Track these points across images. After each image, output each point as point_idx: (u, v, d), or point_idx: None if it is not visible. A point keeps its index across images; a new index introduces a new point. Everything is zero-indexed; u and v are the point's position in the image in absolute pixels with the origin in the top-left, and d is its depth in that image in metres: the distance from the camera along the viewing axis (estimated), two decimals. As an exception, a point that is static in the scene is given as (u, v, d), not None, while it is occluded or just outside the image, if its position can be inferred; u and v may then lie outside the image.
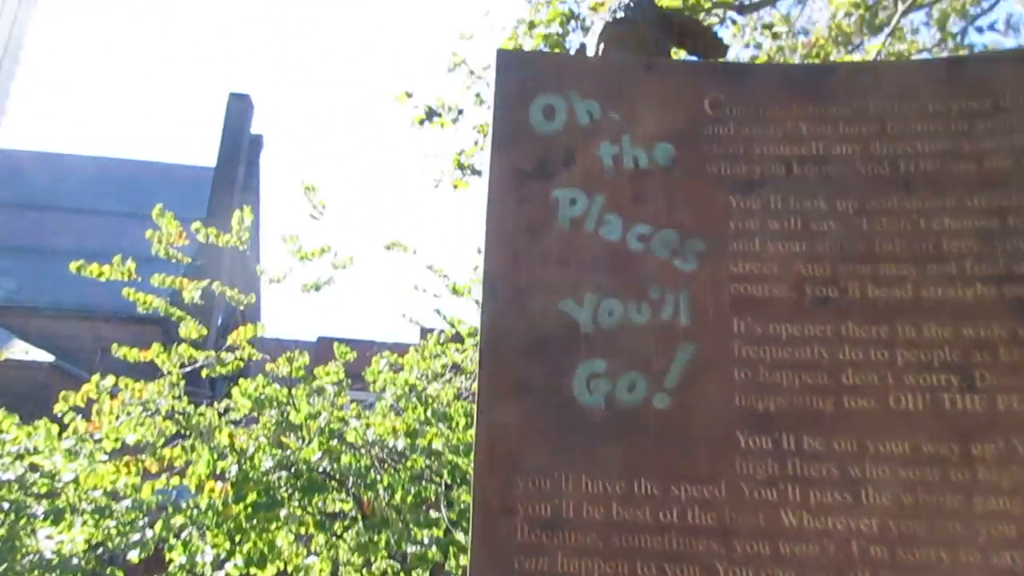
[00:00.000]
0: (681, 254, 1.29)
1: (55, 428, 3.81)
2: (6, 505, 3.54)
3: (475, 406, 1.29)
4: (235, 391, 3.83)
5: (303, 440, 3.65)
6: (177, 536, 3.53)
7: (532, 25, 6.44)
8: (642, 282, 1.27)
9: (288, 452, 3.58)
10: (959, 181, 1.27)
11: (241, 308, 4.40)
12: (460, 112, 6.82)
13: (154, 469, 3.56)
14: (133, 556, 3.64)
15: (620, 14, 1.80)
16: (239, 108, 21.06)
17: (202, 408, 3.75)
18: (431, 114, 6.83)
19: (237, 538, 3.42)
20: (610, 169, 1.34)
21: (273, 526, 3.47)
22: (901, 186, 1.28)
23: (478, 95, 6.88)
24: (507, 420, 1.23)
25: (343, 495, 3.74)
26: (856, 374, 1.20)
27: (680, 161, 1.34)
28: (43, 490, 3.67)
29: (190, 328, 4.00)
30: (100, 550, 3.78)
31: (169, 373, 3.82)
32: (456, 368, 4.32)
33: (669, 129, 1.36)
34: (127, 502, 3.68)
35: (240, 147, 20.75)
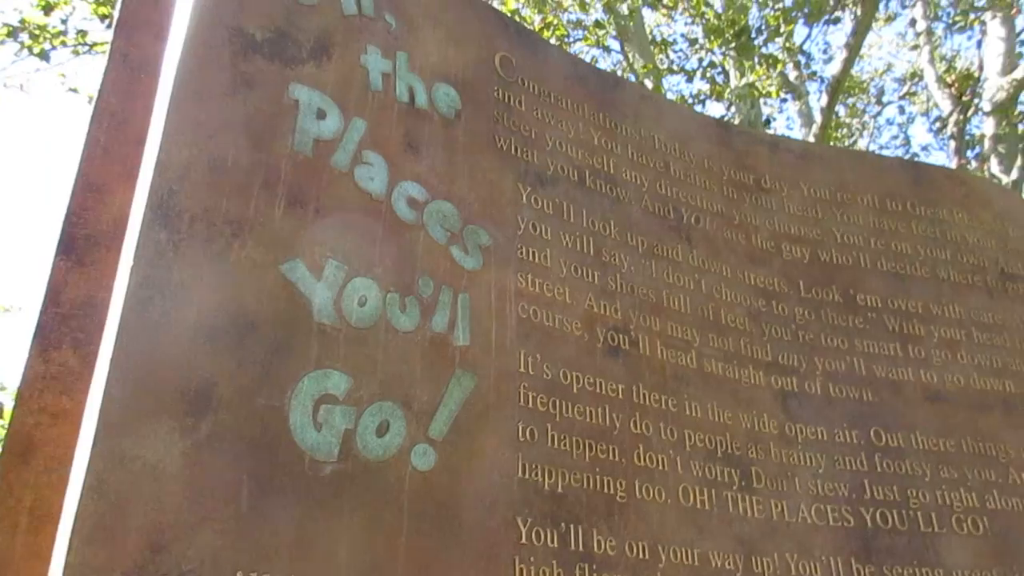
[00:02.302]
0: (461, 242, 0.86)
1: None
2: None
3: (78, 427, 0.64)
4: None
5: None
6: None
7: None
8: (411, 266, 0.81)
9: None
10: (732, 250, 1.12)
11: None
12: None
13: None
14: None
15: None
16: None
17: None
18: None
19: None
20: (378, 89, 0.86)
21: None
22: (684, 237, 1.08)
23: None
24: (153, 460, 0.61)
25: None
26: (647, 452, 0.90)
27: (464, 116, 0.93)
28: None
29: None
30: None
31: None
32: None
33: (454, 71, 0.95)
34: None
35: None
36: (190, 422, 0.63)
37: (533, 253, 0.92)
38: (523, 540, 0.77)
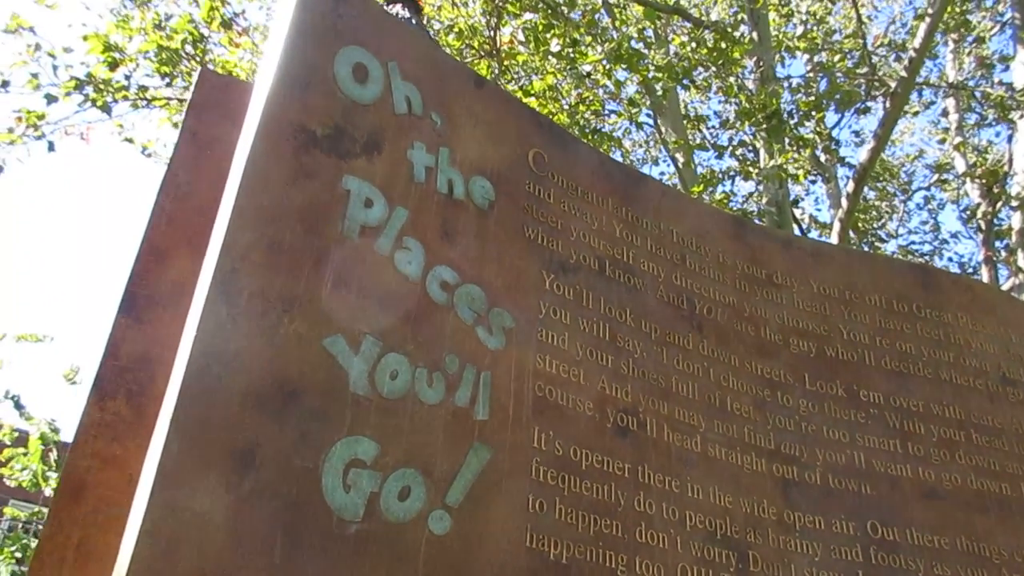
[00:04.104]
0: (487, 324, 0.94)
1: None
2: None
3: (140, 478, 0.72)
4: None
5: None
6: None
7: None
8: (440, 345, 0.88)
9: None
10: (741, 341, 1.18)
11: None
12: None
13: None
14: None
15: None
16: None
17: None
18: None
19: None
20: (421, 181, 0.95)
21: None
22: (695, 327, 1.15)
23: None
24: (202, 509, 0.69)
25: None
26: (649, 530, 0.96)
27: (497, 207, 1.02)
28: None
29: None
30: None
31: None
32: None
33: (491, 165, 1.04)
34: None
35: None
36: (235, 478, 0.71)
37: (552, 336, 1.00)
38: (527, 607, 0.83)
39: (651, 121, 5.96)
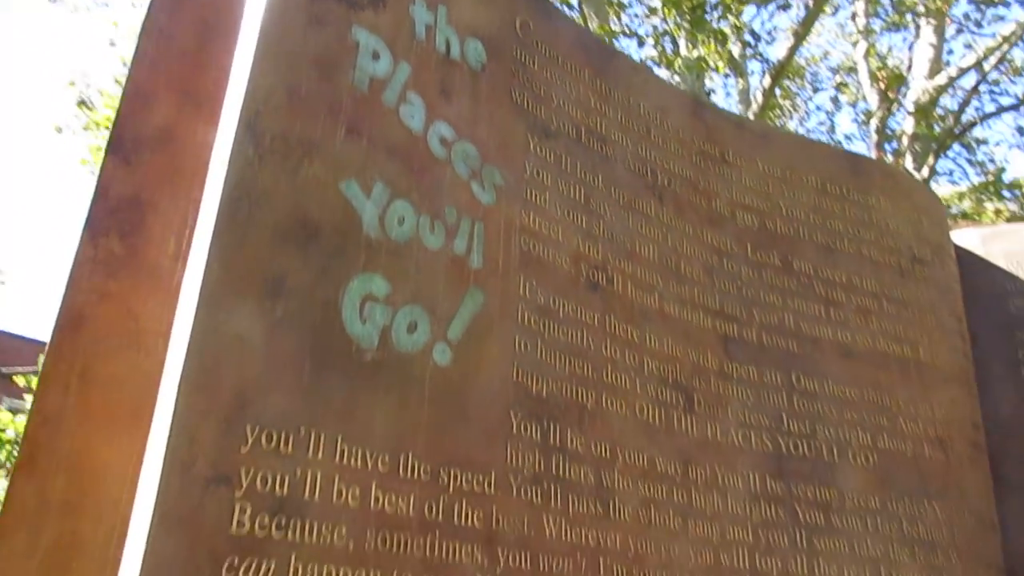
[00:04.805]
0: (479, 180, 1.00)
1: None
2: None
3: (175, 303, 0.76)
4: None
5: None
6: None
7: None
8: (440, 196, 0.94)
9: None
10: (695, 211, 1.29)
11: None
12: None
13: None
14: None
15: None
16: None
17: None
18: None
19: None
20: (421, 39, 0.98)
21: None
22: (657, 196, 1.24)
23: None
24: (240, 331, 0.74)
25: None
26: (614, 372, 1.08)
27: (489, 70, 1.06)
28: None
29: None
30: None
31: None
32: None
33: (483, 28, 1.08)
34: None
35: None
36: (268, 305, 0.77)
37: (536, 195, 1.07)
38: (514, 431, 0.94)
39: (575, 3, 5.90)
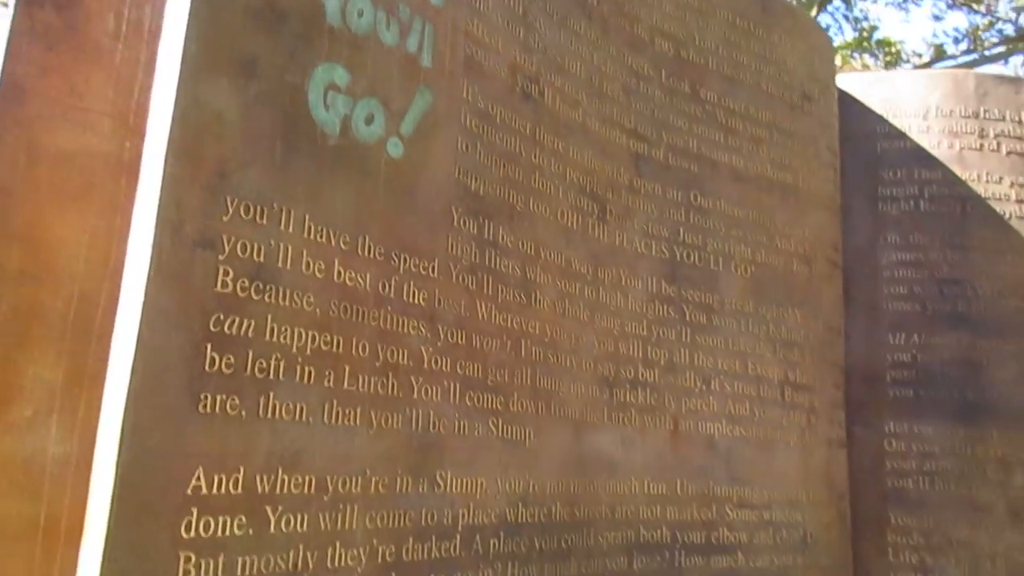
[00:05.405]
0: (430, -19, 1.03)
1: None
2: None
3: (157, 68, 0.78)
4: None
5: None
6: None
7: None
8: (395, -8, 0.97)
9: None
10: (619, 33, 1.36)
11: None
12: None
13: None
14: None
15: None
16: None
17: None
18: None
19: None
20: None
21: None
22: (586, 15, 1.30)
23: None
24: (218, 107, 0.78)
25: None
26: (540, 178, 1.17)
27: None
28: None
29: None
30: None
31: None
32: None
33: None
34: None
35: None
36: (242, 83, 0.80)
37: (480, 3, 1.10)
38: (455, 224, 1.03)
39: None
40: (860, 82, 1.73)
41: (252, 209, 0.80)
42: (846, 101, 1.71)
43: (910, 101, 1.71)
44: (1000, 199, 1.66)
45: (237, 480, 0.74)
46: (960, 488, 1.51)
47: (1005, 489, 1.52)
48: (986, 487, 1.51)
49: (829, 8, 6.95)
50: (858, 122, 1.71)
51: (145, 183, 0.75)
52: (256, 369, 0.77)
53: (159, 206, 0.72)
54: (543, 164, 1.18)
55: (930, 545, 1.49)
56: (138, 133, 0.87)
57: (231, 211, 0.78)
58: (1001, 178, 1.67)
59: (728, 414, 1.37)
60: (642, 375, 1.27)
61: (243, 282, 0.78)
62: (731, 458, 1.36)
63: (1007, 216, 1.64)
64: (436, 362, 0.98)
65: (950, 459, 1.53)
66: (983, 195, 1.66)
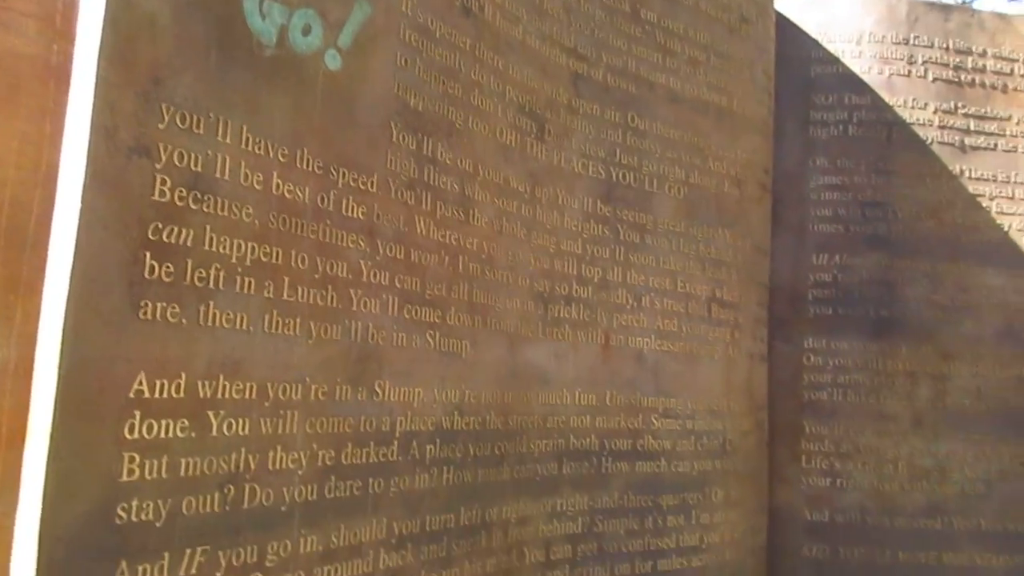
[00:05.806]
0: None
1: None
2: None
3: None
4: None
5: None
6: None
7: None
8: (332, -102, 0.95)
9: None
10: (560, -51, 1.35)
11: None
12: None
13: None
14: None
15: None
16: None
17: None
18: None
19: None
20: None
21: None
22: (528, -71, 1.29)
23: None
24: (151, 10, 0.76)
25: None
26: (480, 96, 1.18)
27: None
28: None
29: None
30: None
31: None
32: None
33: None
34: None
35: None
36: (174, -11, 0.78)
37: (419, -88, 1.09)
38: (393, 139, 1.03)
39: None
40: (797, 5, 1.76)
41: (188, 118, 0.79)
42: (782, 24, 1.74)
43: (845, 26, 1.75)
44: (924, 124, 1.72)
45: (179, 385, 0.76)
46: (870, 399, 1.62)
47: (911, 400, 1.63)
48: (893, 398, 1.62)
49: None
50: (793, 46, 1.74)
51: (76, 87, 0.74)
52: (196, 278, 0.78)
53: (93, 111, 0.72)
54: (483, 81, 1.19)
55: (839, 452, 1.60)
56: (65, 36, 0.85)
57: (167, 119, 0.77)
58: (926, 104, 1.73)
59: (657, 329, 1.43)
60: (576, 292, 1.31)
61: (180, 191, 0.78)
62: (658, 371, 1.43)
63: (929, 141, 1.71)
64: (375, 276, 1.00)
65: (863, 372, 1.63)
66: (908, 120, 1.72)
